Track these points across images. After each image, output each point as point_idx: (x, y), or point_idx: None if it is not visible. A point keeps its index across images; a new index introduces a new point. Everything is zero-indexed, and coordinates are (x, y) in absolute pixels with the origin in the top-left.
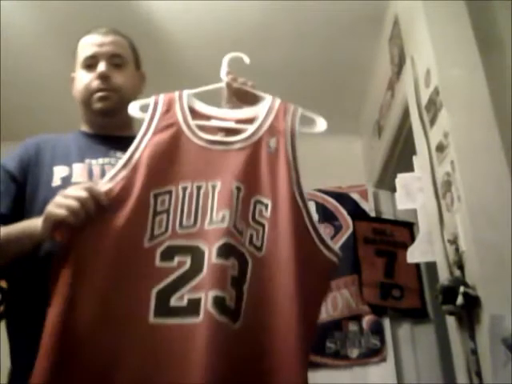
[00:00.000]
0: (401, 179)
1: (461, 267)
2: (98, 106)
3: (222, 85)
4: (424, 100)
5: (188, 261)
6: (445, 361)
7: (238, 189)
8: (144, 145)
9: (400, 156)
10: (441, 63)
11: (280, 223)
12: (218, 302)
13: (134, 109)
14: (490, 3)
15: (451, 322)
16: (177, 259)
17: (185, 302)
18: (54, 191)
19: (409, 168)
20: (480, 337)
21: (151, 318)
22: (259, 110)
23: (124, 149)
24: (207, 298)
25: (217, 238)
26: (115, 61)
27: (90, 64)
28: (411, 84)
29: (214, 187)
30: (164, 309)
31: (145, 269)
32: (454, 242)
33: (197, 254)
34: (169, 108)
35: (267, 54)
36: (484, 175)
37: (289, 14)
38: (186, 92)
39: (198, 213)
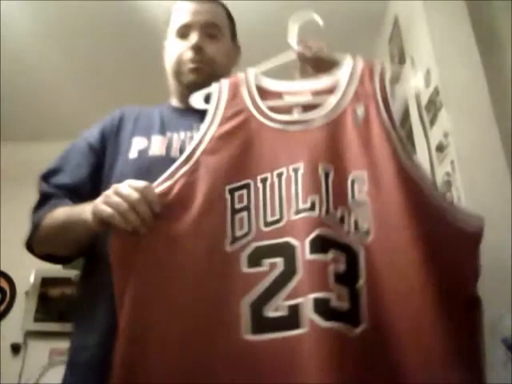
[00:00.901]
0: None
1: None
2: (189, 78)
3: (293, 56)
4: (424, 100)
5: (280, 262)
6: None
7: (326, 171)
8: (209, 137)
9: None
10: (441, 63)
11: (385, 193)
12: (321, 306)
13: (197, 100)
14: (489, 3)
15: None
16: (267, 262)
17: (283, 312)
18: (131, 163)
19: None
20: None
21: (245, 335)
22: (340, 77)
23: None
24: (307, 302)
25: (308, 230)
26: (210, 31)
27: (184, 33)
28: (411, 84)
29: (296, 171)
30: (260, 323)
31: (230, 277)
32: None
33: (288, 252)
34: (235, 93)
35: (265, 54)
36: (484, 175)
37: (289, 14)
38: (251, 71)
39: (283, 203)
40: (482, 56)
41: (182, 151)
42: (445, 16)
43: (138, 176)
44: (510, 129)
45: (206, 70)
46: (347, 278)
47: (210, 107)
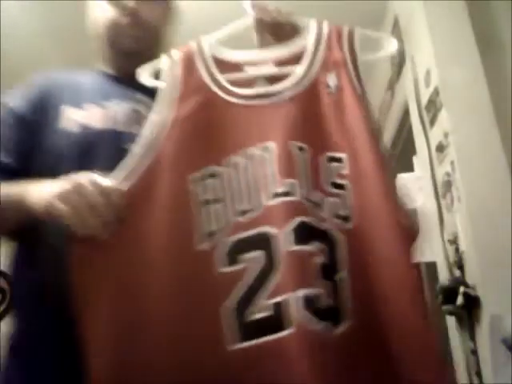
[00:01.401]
0: (400, 179)
1: (461, 267)
2: (126, 46)
3: (250, 20)
4: (424, 100)
5: (261, 256)
6: (445, 361)
7: (301, 149)
8: (167, 122)
9: (400, 156)
10: (441, 63)
11: (365, 175)
12: (312, 304)
13: (145, 76)
14: (489, 3)
15: (451, 322)
16: (246, 257)
17: (269, 311)
18: (61, 135)
19: (409, 168)
20: (480, 337)
21: (231, 345)
22: (305, 43)
23: (152, 95)
24: (294, 300)
25: (288, 217)
26: None
27: None
28: (411, 84)
29: (268, 150)
30: (247, 329)
31: (204, 281)
32: (454, 242)
33: (268, 243)
34: (189, 67)
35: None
36: (484, 175)
37: None
38: (205, 40)
39: (258, 188)
40: (482, 56)
41: (127, 125)
42: (445, 16)
43: (80, 153)
44: (510, 129)
45: (144, 37)
46: (330, 270)
47: (163, 86)
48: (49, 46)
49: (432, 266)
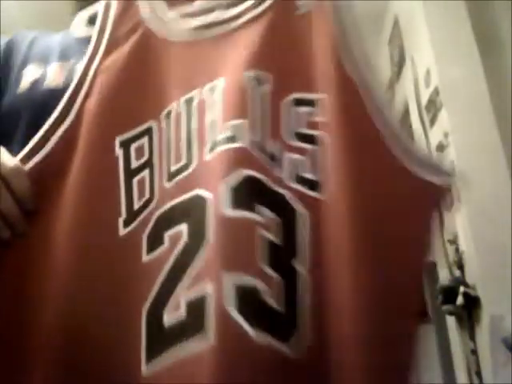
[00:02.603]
0: None
1: (461, 267)
2: None
3: None
4: (424, 100)
5: (184, 230)
6: (445, 361)
7: (258, 81)
8: (92, 73)
9: None
10: (441, 63)
11: (336, 128)
12: (244, 298)
13: (79, 26)
14: (490, 3)
15: (451, 322)
16: (167, 235)
17: (179, 314)
18: (20, 98)
19: None
20: (480, 337)
21: (144, 368)
22: None
23: None
24: (219, 291)
25: (226, 170)
26: None
27: None
28: (411, 84)
29: (213, 89)
30: (157, 340)
31: (128, 276)
32: (454, 242)
33: (196, 212)
34: (127, 5)
35: None
36: (484, 175)
37: None
38: None
39: (192, 140)
40: (482, 56)
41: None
42: (445, 16)
43: (30, 115)
44: (510, 129)
45: None
46: (282, 255)
47: (94, 30)
48: None
49: (432, 266)
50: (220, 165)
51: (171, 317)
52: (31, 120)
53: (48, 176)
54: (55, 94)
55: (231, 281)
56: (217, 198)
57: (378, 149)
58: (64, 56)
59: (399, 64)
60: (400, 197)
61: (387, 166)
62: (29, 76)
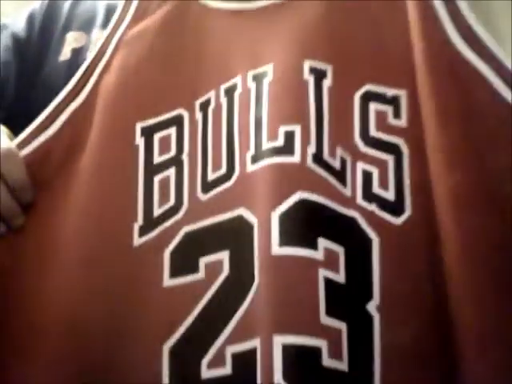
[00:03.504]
0: None
1: None
2: None
3: None
4: None
5: (225, 260)
6: None
7: (319, 73)
8: (114, 44)
9: None
10: None
11: (434, 133)
12: (302, 365)
13: None
14: (490, 3)
15: None
16: (203, 262)
17: (223, 368)
18: (61, 67)
19: None
20: None
21: None
22: None
23: None
24: (271, 351)
25: (277, 191)
26: None
27: None
28: None
29: (259, 79)
30: None
31: (140, 299)
32: None
33: (239, 238)
34: None
35: None
36: None
37: None
38: None
39: (234, 143)
40: None
41: None
42: None
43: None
44: None
45: None
46: (351, 299)
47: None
48: None
49: None
50: (267, 183)
51: (207, 370)
52: (60, 87)
53: (51, 163)
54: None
55: (281, 341)
56: (266, 228)
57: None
58: (108, 22)
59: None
60: None
61: None
62: (71, 43)
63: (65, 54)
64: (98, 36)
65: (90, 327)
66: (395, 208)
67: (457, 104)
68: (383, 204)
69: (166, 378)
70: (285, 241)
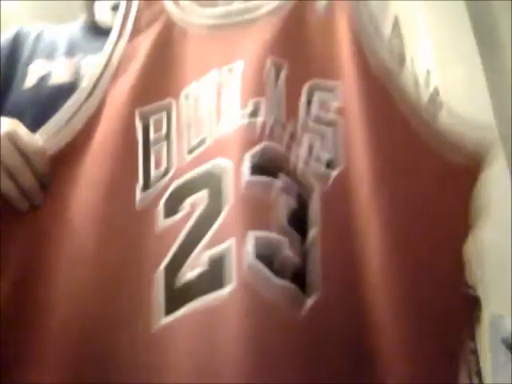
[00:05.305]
0: None
1: None
2: None
3: None
4: (424, 100)
5: (204, 195)
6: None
7: (277, 66)
8: (117, 58)
9: None
10: (441, 63)
11: (357, 116)
12: (267, 250)
13: (102, 11)
14: (490, 3)
15: None
16: (188, 203)
17: (202, 267)
18: (27, 94)
19: None
20: (480, 337)
21: (156, 322)
22: None
23: None
24: (242, 245)
25: (247, 143)
26: None
27: None
28: (411, 84)
29: (232, 70)
30: (173, 296)
31: (142, 242)
32: None
33: (216, 178)
34: None
35: None
36: (483, 176)
37: None
38: None
39: (212, 116)
40: (482, 56)
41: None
42: (445, 16)
43: (35, 112)
44: (510, 129)
45: None
46: (298, 220)
47: (117, 18)
48: None
49: None
50: (242, 137)
51: (190, 273)
52: (37, 117)
53: (68, 157)
54: (61, 91)
55: (254, 236)
56: (238, 165)
57: (404, 133)
58: (71, 51)
59: (399, 64)
60: (426, 177)
61: (413, 147)
62: (35, 72)
63: (29, 81)
64: (61, 63)
65: (99, 266)
66: (332, 164)
67: (375, 81)
68: (322, 162)
69: (156, 297)
70: (253, 172)
